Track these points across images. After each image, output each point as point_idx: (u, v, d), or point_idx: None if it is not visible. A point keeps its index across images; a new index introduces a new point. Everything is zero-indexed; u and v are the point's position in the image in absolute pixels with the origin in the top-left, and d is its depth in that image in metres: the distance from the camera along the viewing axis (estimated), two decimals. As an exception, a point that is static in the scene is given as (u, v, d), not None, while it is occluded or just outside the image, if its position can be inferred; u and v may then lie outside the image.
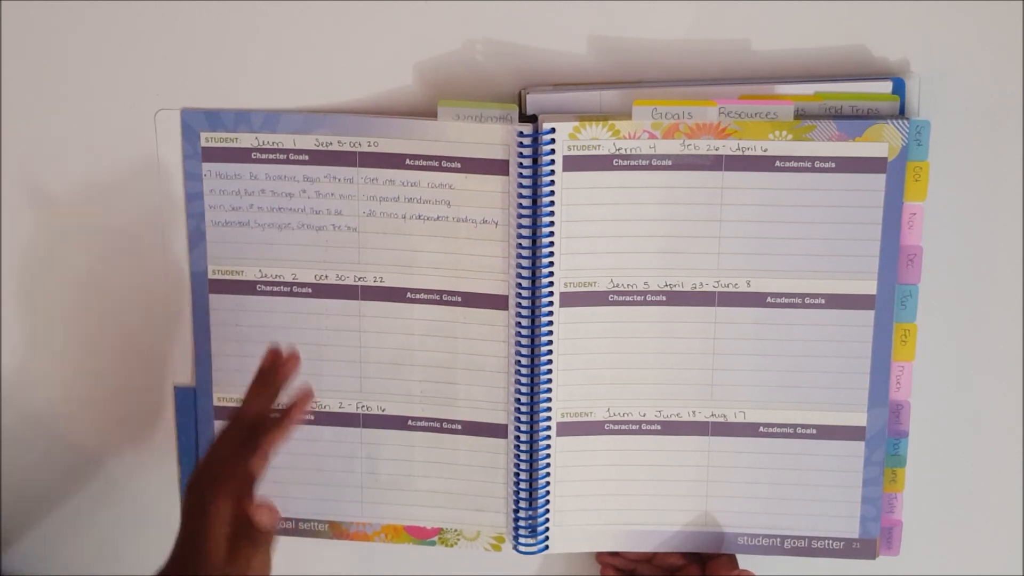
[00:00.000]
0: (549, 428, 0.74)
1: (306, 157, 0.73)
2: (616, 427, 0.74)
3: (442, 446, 0.76)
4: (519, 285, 0.72)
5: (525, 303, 0.72)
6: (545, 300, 0.72)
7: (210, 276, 0.75)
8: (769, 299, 0.72)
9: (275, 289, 0.75)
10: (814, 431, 0.73)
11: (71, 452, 0.79)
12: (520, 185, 0.70)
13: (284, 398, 0.67)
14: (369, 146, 0.72)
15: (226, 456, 0.64)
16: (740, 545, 0.75)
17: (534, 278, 0.72)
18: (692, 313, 0.72)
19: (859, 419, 0.73)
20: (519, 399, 0.74)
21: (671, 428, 0.74)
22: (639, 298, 0.72)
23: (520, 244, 0.71)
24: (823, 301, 0.72)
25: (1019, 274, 0.74)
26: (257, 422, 0.66)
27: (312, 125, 0.72)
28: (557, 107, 0.71)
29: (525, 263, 0.72)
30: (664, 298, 0.72)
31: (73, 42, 0.73)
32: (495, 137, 0.70)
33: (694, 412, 0.74)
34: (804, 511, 0.74)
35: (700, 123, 0.69)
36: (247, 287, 0.75)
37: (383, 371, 0.75)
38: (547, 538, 0.76)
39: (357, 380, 0.75)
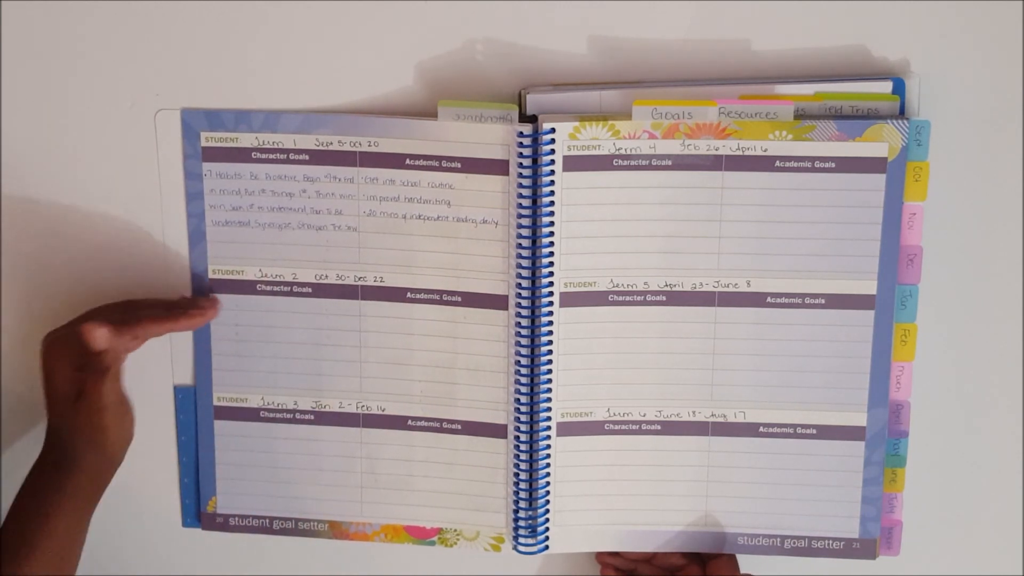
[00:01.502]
0: (549, 428, 0.74)
1: (306, 157, 0.73)
2: (616, 427, 0.74)
3: (442, 446, 0.76)
4: (519, 285, 0.72)
5: (525, 303, 0.72)
6: (545, 300, 0.72)
7: (210, 276, 0.75)
8: (769, 299, 0.72)
9: (275, 289, 0.75)
10: (814, 431, 0.73)
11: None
12: (520, 185, 0.70)
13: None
14: (369, 146, 0.72)
15: (78, 321, 0.70)
16: (740, 545, 0.75)
17: (534, 278, 0.72)
18: (692, 313, 0.72)
19: (859, 419, 0.73)
20: (519, 399, 0.73)
21: (671, 428, 0.74)
22: (639, 298, 0.72)
23: (520, 244, 0.71)
24: (823, 301, 0.72)
25: (1019, 274, 0.74)
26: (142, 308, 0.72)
27: (312, 125, 0.72)
28: (557, 107, 0.71)
29: (525, 263, 0.72)
30: (664, 298, 0.72)
31: (73, 42, 0.73)
32: (495, 137, 0.70)
33: (694, 412, 0.74)
34: (804, 511, 0.74)
35: (700, 123, 0.69)
36: (247, 287, 0.75)
37: (383, 371, 0.75)
38: (547, 538, 0.76)
39: (357, 380, 0.75)
